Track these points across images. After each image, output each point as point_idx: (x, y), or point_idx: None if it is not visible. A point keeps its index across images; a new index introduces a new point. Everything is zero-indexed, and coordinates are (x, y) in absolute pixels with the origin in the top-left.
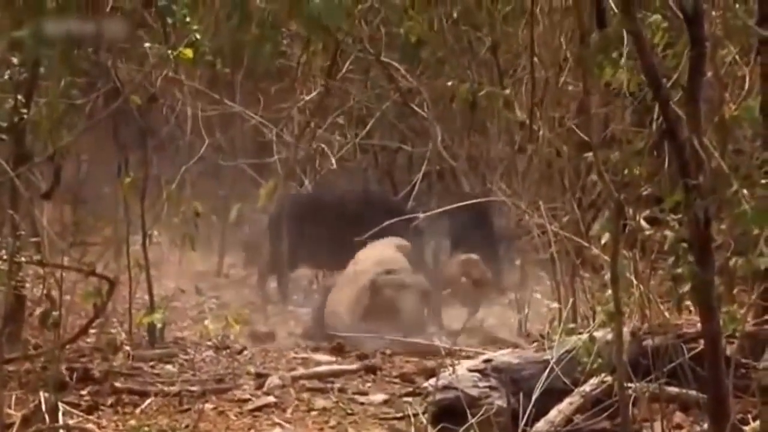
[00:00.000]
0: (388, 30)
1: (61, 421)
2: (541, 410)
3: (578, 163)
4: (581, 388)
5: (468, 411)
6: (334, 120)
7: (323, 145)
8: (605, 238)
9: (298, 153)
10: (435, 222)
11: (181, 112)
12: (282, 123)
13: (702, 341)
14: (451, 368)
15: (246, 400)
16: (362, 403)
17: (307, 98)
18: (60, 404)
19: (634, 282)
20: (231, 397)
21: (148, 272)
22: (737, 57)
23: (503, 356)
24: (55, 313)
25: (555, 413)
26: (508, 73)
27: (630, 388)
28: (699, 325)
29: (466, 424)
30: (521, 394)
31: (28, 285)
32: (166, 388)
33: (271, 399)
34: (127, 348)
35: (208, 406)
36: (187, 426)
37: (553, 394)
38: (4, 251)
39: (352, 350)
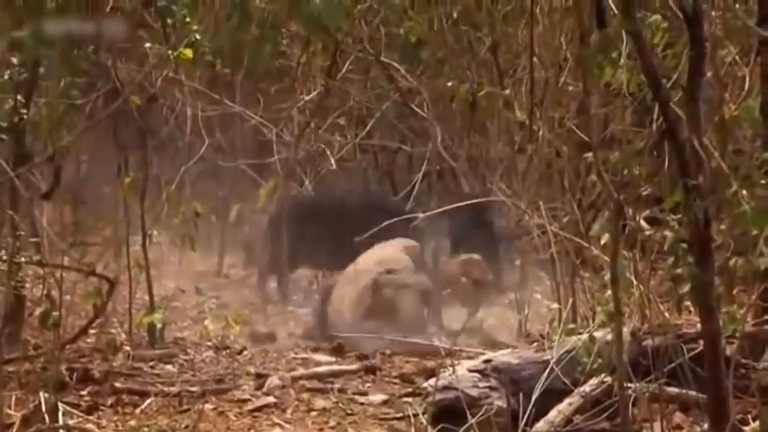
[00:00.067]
0: (387, 30)
1: (61, 422)
2: (540, 410)
3: (578, 163)
4: (581, 389)
5: (468, 411)
6: (334, 120)
7: (323, 146)
8: (605, 238)
9: (298, 153)
10: (435, 222)
11: (180, 112)
12: (282, 123)
13: (702, 341)
14: (450, 368)
15: (246, 401)
16: (362, 404)
17: (307, 98)
18: (60, 404)
19: (634, 282)
20: (231, 397)
21: (148, 272)
22: (737, 57)
23: (503, 356)
24: (55, 314)
25: (555, 413)
26: (508, 73)
27: (630, 388)
28: (699, 325)
29: (466, 425)
30: (521, 395)
31: (27, 285)
32: (166, 389)
33: (270, 399)
34: (127, 348)
35: (208, 406)
36: (186, 426)
37: (553, 395)
38: (3, 251)
39: (352, 350)
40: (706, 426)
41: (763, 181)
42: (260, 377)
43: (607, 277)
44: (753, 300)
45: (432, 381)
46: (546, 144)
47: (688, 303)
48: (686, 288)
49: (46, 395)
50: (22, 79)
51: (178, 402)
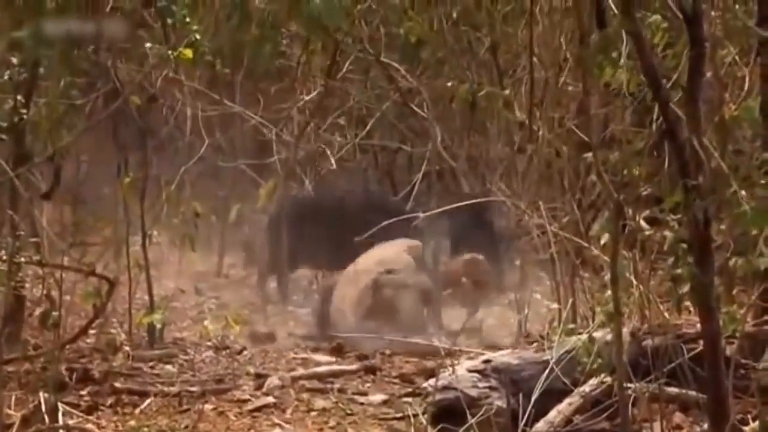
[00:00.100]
0: (387, 30)
1: (60, 422)
2: (540, 411)
3: (578, 163)
4: (581, 389)
5: (467, 411)
6: (334, 120)
7: (323, 146)
8: (605, 238)
9: (297, 153)
10: (435, 222)
11: (180, 112)
12: (282, 123)
13: (701, 341)
14: (450, 369)
15: (245, 401)
16: (362, 404)
17: (307, 98)
18: (60, 404)
19: (634, 282)
20: (230, 397)
21: (148, 272)
22: (737, 57)
23: (503, 357)
24: (54, 314)
25: (554, 414)
26: (508, 73)
27: (629, 388)
28: (698, 325)
29: (466, 425)
30: (521, 395)
31: (27, 285)
32: (165, 389)
33: (270, 399)
34: (127, 348)
35: (208, 406)
36: (186, 426)
37: (553, 395)
38: (3, 251)
39: (352, 351)
40: (705, 426)
41: (762, 181)
42: (260, 377)
43: (607, 277)
44: (753, 300)
45: (432, 381)
46: (546, 144)
47: (687, 303)
48: (686, 288)
49: (46, 395)
50: (21, 79)
51: (178, 402)
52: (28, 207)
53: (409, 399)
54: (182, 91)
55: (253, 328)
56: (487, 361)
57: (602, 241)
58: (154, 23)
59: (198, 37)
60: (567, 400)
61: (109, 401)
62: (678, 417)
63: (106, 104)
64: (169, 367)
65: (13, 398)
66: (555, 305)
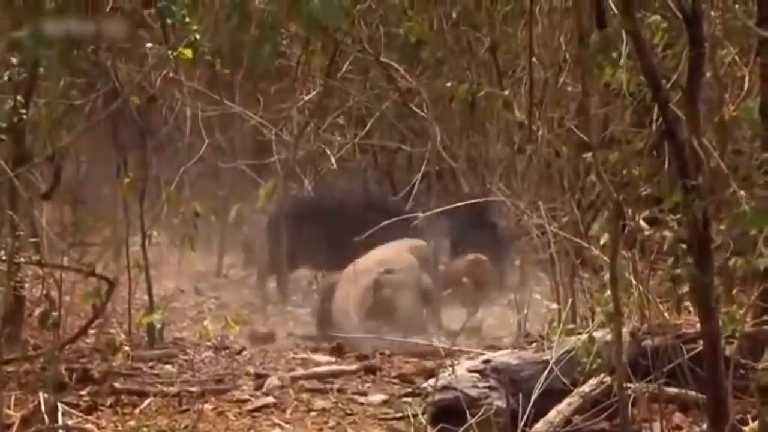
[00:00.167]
0: (387, 30)
1: (60, 422)
2: (540, 411)
3: (577, 163)
4: (580, 389)
5: (467, 411)
6: (334, 120)
7: (323, 145)
8: (604, 238)
9: (297, 153)
10: (435, 222)
11: (180, 112)
12: (281, 123)
13: (701, 342)
14: (450, 369)
15: (245, 401)
16: (361, 404)
17: (307, 98)
18: (59, 405)
19: (634, 282)
20: (230, 397)
21: (148, 273)
22: (736, 58)
23: (502, 357)
24: (54, 314)
25: (554, 414)
26: (508, 73)
27: (629, 388)
28: (698, 325)
29: (466, 425)
30: (520, 395)
31: (27, 285)
32: (165, 389)
33: (270, 399)
34: (127, 348)
35: (208, 406)
36: (186, 426)
37: (553, 395)
38: (3, 252)
39: (352, 351)
40: (705, 426)
41: (762, 182)
42: (259, 377)
43: (607, 277)
44: (752, 300)
45: (431, 381)
46: (545, 144)
47: (687, 303)
48: (685, 288)
49: (46, 395)
50: (21, 79)
51: (178, 402)
52: (28, 207)
53: (409, 399)
54: (182, 92)
55: (253, 328)
56: (486, 361)
57: (602, 241)
58: (154, 23)
59: (197, 37)
60: (566, 400)
61: (109, 401)
62: (677, 417)
63: (105, 104)
64: (168, 367)
65: (13, 398)
66: (554, 305)
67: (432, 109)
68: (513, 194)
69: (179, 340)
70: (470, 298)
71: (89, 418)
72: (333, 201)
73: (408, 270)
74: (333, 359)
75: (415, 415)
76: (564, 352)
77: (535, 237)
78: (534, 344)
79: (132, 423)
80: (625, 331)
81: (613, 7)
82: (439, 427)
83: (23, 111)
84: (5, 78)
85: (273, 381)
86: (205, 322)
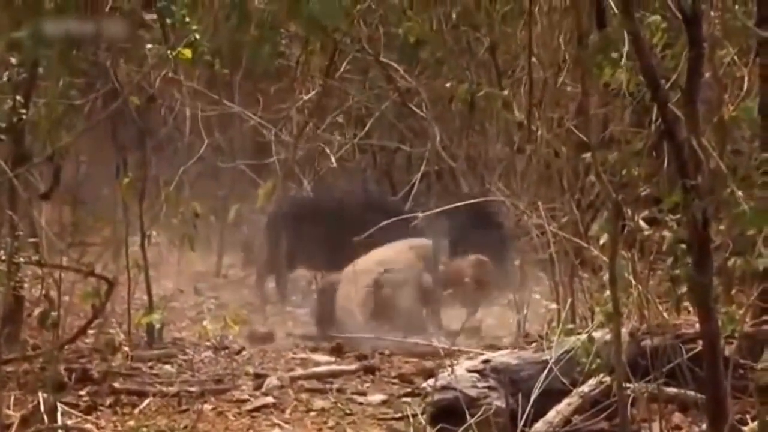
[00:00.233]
0: (386, 30)
1: (59, 422)
2: (539, 411)
3: (577, 163)
4: (580, 389)
5: (467, 411)
6: (333, 120)
7: (322, 145)
8: (604, 238)
9: (296, 153)
10: (434, 222)
11: (179, 112)
12: (281, 123)
13: (700, 342)
14: (449, 369)
15: (245, 401)
16: (361, 404)
17: (306, 98)
18: (58, 405)
19: (633, 282)
20: (230, 397)
21: (147, 273)
22: (736, 58)
23: (502, 357)
24: (53, 314)
25: (553, 414)
26: (507, 73)
27: (628, 388)
28: (697, 325)
29: (465, 425)
30: (520, 395)
31: (26, 285)
32: (164, 389)
33: (269, 399)
34: (126, 348)
35: (207, 406)
36: (185, 426)
37: (552, 395)
38: (2, 252)
39: (351, 350)
40: (704, 426)
41: (761, 182)
42: (259, 377)
43: (606, 277)
44: (751, 300)
45: (431, 381)
46: (545, 144)
47: (686, 303)
48: (685, 288)
49: (45, 395)
50: (21, 79)
51: (177, 402)
52: (27, 207)
53: (408, 399)
54: (181, 92)
55: (252, 328)
56: (486, 361)
57: (601, 241)
58: (154, 23)
59: (197, 37)
60: (566, 400)
61: (108, 401)
62: (677, 417)
63: (105, 104)
64: (168, 367)
65: (12, 398)
66: (554, 305)
67: (431, 109)
68: (512, 194)
69: (178, 340)
70: (471, 298)
71: (88, 418)
72: (332, 201)
73: (408, 270)
74: (332, 359)
75: (414, 415)
76: (563, 352)
77: (535, 237)
78: (533, 344)
79: (131, 423)
80: (624, 331)
81: (612, 7)
82: (438, 427)
83: (23, 111)
84: (5, 78)
85: (272, 381)
86: (205, 322)
